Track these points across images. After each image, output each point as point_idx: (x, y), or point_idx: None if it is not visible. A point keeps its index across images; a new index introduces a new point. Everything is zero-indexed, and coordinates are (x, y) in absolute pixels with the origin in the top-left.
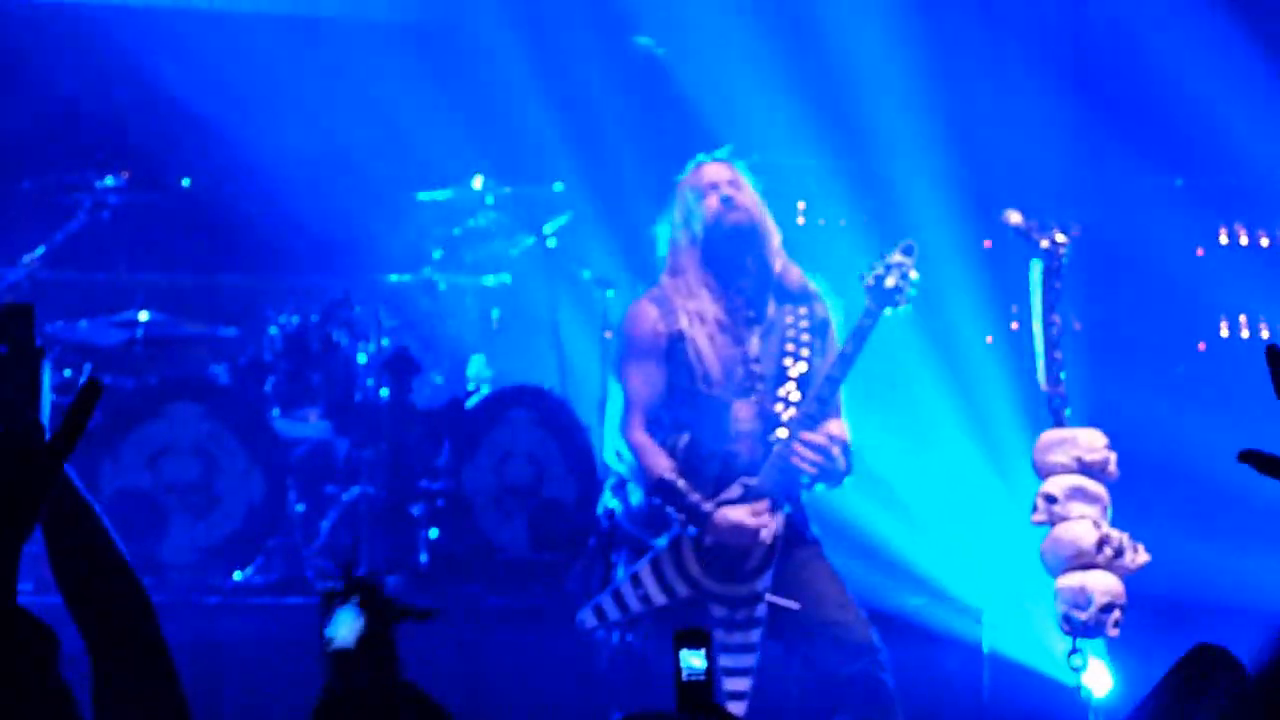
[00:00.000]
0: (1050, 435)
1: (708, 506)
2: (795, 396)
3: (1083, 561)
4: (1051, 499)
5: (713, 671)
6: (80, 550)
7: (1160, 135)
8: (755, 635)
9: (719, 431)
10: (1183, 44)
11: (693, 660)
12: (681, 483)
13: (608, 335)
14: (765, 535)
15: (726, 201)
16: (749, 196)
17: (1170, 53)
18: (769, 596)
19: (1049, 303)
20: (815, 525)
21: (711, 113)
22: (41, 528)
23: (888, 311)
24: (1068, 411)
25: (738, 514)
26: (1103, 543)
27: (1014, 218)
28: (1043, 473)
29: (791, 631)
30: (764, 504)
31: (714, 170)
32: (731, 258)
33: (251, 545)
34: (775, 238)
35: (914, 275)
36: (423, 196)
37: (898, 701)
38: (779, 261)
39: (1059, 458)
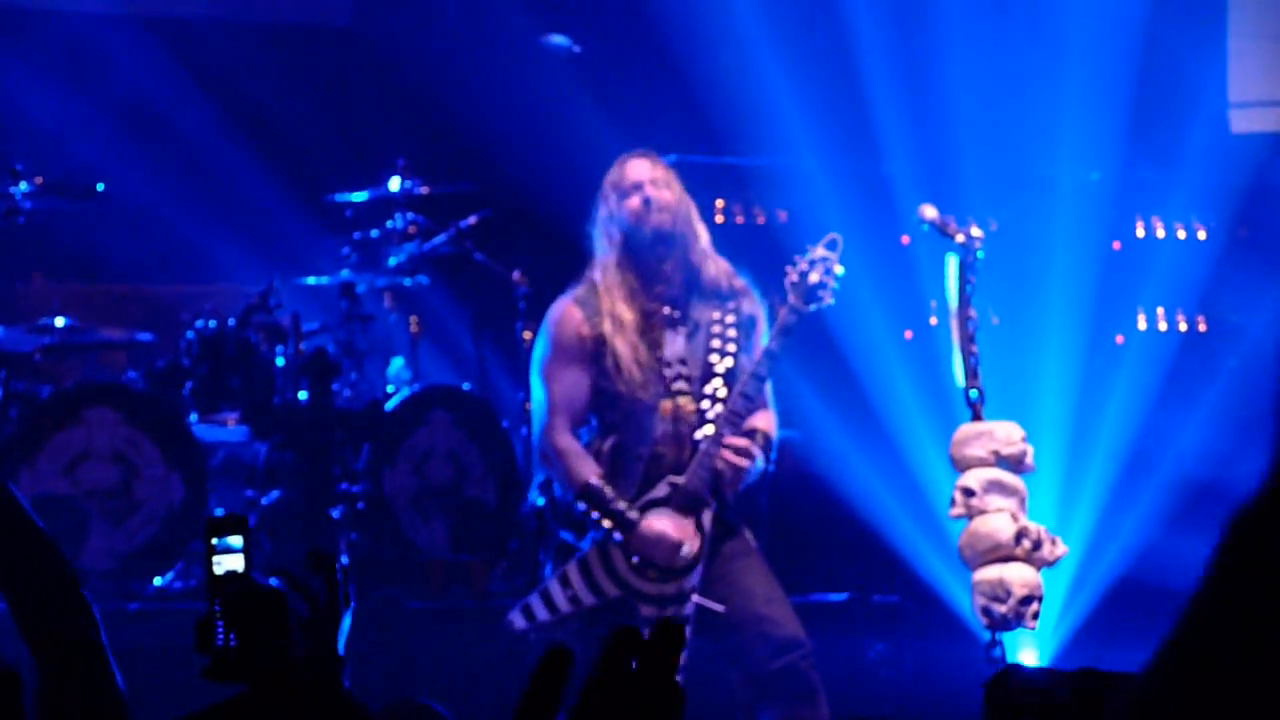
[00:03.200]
0: (967, 429)
1: (633, 515)
2: (723, 393)
3: (1001, 554)
4: (969, 492)
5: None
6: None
7: (1075, 129)
8: (684, 634)
9: (644, 433)
10: (1089, 38)
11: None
12: (608, 489)
13: (527, 335)
14: (687, 550)
15: (648, 203)
16: (673, 194)
17: (1084, 46)
18: (696, 598)
19: (964, 297)
20: (742, 520)
21: (629, 111)
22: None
23: (812, 307)
24: (984, 405)
25: (663, 524)
26: (1021, 535)
27: (929, 213)
28: (960, 466)
29: (719, 627)
30: (689, 518)
31: (637, 168)
32: (653, 260)
33: (172, 550)
34: (701, 236)
35: (838, 270)
36: (339, 198)
37: (823, 694)
38: (705, 261)
39: (976, 451)
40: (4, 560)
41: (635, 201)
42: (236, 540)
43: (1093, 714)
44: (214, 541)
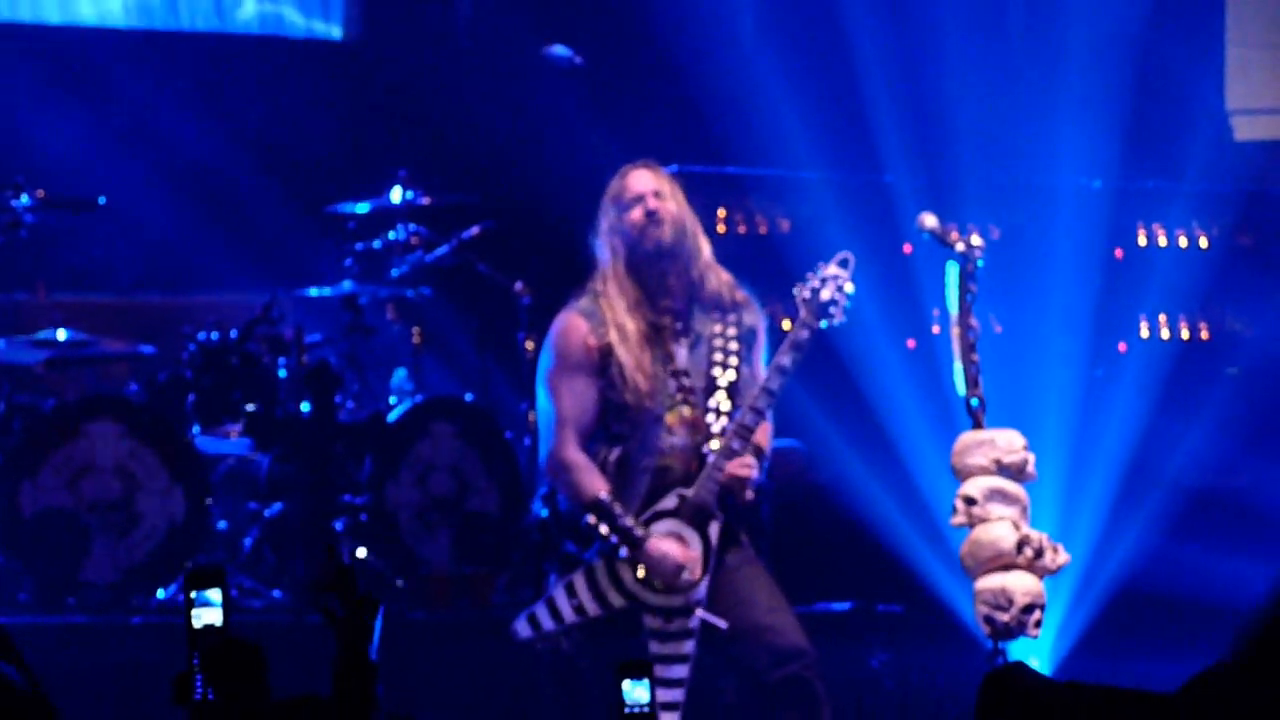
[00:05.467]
0: (968, 437)
1: (640, 532)
2: (726, 406)
3: (1003, 563)
4: (970, 501)
5: (654, 703)
6: None
7: (1075, 137)
8: (688, 646)
9: (651, 444)
10: (1088, 46)
11: (636, 692)
12: (616, 505)
13: (529, 345)
14: (689, 576)
15: (651, 215)
16: (676, 206)
17: (1084, 54)
18: (700, 613)
19: (965, 306)
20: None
21: (631, 121)
22: None
23: (823, 324)
24: (985, 414)
25: (669, 545)
26: (1023, 544)
27: (929, 221)
28: (961, 475)
29: (723, 637)
30: (695, 531)
31: (639, 180)
32: (656, 272)
33: (174, 563)
34: (703, 248)
35: (849, 288)
36: (341, 210)
37: (827, 703)
38: (706, 272)
39: (977, 460)
40: None
41: (638, 214)
42: (215, 594)
43: None
44: (192, 595)
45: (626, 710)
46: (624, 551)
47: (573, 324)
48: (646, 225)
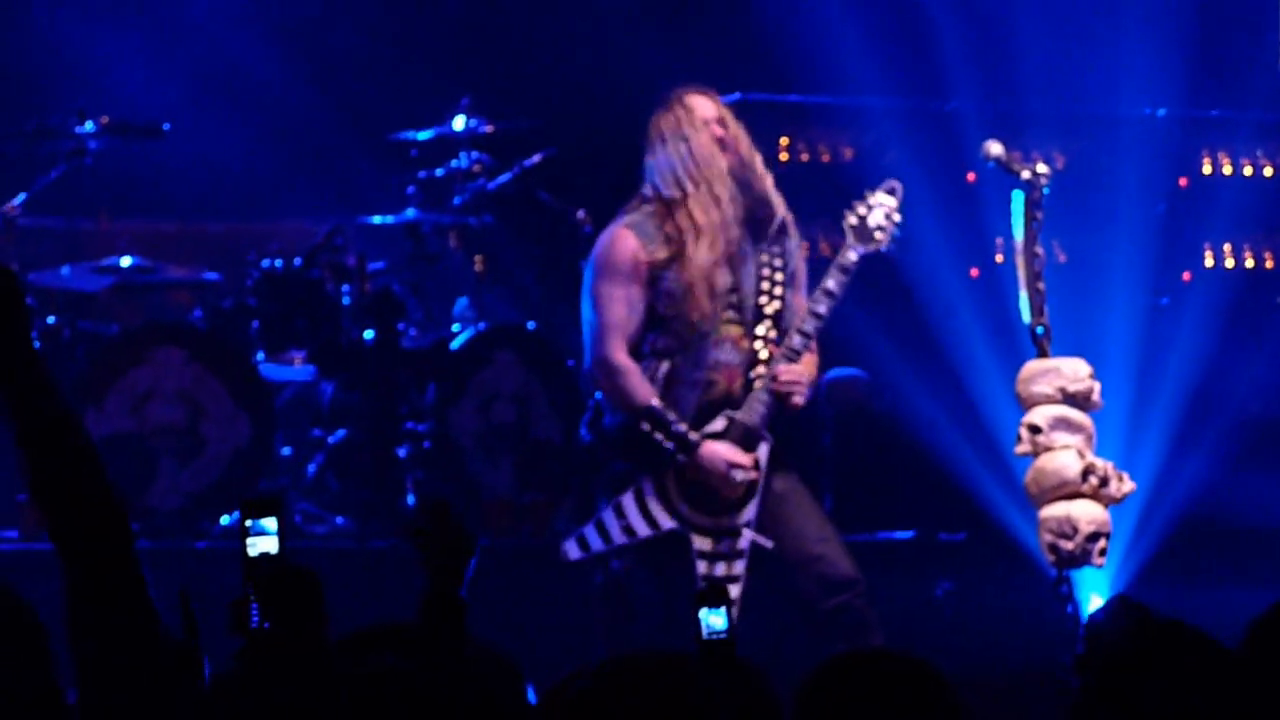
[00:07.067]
0: (1033, 366)
1: (694, 436)
2: (773, 334)
3: (1067, 491)
4: (1035, 429)
5: (734, 629)
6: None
7: (1140, 65)
8: (739, 567)
9: (700, 359)
10: None
11: (713, 620)
12: (669, 412)
13: None
14: (746, 475)
15: (721, 142)
16: (738, 134)
17: None
18: (748, 533)
19: (1031, 234)
20: (795, 457)
21: (694, 47)
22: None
23: (870, 249)
24: (1050, 342)
25: (723, 449)
26: (1088, 472)
27: (994, 149)
28: (1026, 403)
29: (773, 565)
30: (749, 443)
31: (704, 106)
32: (723, 198)
33: (239, 489)
34: (763, 177)
35: (897, 216)
36: (404, 137)
37: (880, 631)
38: (761, 199)
39: (1042, 388)
40: (41, 465)
41: (706, 139)
42: (271, 523)
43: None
44: (248, 523)
45: (705, 637)
46: (681, 457)
47: (621, 236)
48: (716, 151)
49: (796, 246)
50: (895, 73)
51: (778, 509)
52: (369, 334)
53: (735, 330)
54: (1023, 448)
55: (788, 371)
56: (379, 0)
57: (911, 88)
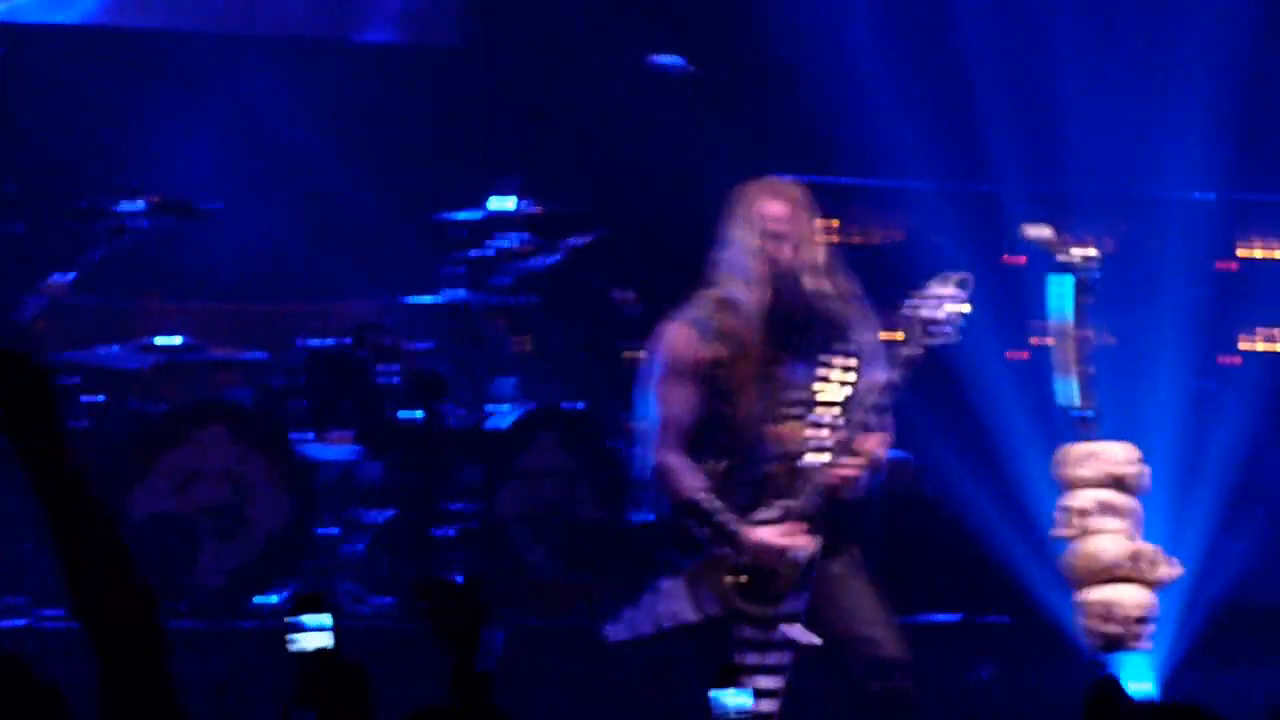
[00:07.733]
0: (1077, 449)
1: (735, 525)
2: (831, 423)
3: (1112, 575)
4: (1083, 512)
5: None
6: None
7: (1185, 149)
8: (787, 656)
9: (756, 456)
10: (1199, 58)
11: (738, 699)
12: (712, 503)
13: (636, 355)
14: (795, 555)
15: (783, 241)
16: (803, 230)
17: (1194, 66)
18: (787, 628)
19: (1080, 318)
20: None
21: (743, 131)
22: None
23: (936, 342)
24: (1097, 426)
25: (770, 531)
26: (1136, 556)
27: (1043, 233)
28: (1068, 486)
29: (822, 648)
30: (797, 525)
31: (765, 202)
32: (783, 292)
33: (282, 568)
34: (825, 269)
35: (965, 309)
36: (451, 217)
37: (925, 714)
38: (824, 289)
39: (1086, 472)
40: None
41: (773, 241)
42: (323, 618)
43: None
44: (300, 619)
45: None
46: (723, 549)
47: (681, 333)
48: (783, 252)
49: (866, 328)
50: (943, 156)
51: (832, 590)
52: (415, 414)
53: (796, 427)
54: (1068, 531)
55: (841, 465)
56: (427, 80)
57: (959, 170)
